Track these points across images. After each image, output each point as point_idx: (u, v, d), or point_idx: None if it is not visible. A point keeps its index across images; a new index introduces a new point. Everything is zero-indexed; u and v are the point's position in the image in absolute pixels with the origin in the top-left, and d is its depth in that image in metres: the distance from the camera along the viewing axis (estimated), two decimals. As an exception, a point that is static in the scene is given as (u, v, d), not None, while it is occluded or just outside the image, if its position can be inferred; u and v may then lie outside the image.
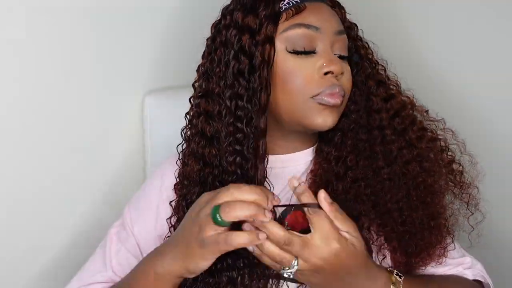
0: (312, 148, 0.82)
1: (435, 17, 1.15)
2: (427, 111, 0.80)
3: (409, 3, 1.19)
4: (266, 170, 0.74)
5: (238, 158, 0.72)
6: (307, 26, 0.72)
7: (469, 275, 0.81)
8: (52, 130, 1.01)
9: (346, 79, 0.75)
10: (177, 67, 1.14)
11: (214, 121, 0.76)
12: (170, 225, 0.80)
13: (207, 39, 0.80)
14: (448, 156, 0.78)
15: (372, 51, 0.81)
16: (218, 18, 0.79)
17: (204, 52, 0.80)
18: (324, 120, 0.73)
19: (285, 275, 0.63)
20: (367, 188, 0.75)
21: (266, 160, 0.74)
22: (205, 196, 0.66)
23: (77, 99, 1.03)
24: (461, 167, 0.77)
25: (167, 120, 1.08)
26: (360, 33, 0.82)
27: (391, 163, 0.76)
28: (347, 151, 0.77)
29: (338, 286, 0.66)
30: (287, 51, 0.73)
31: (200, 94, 0.78)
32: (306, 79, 0.72)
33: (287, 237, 0.61)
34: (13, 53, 0.94)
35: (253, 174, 0.72)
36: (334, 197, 0.73)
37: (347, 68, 0.76)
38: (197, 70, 0.80)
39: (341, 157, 0.77)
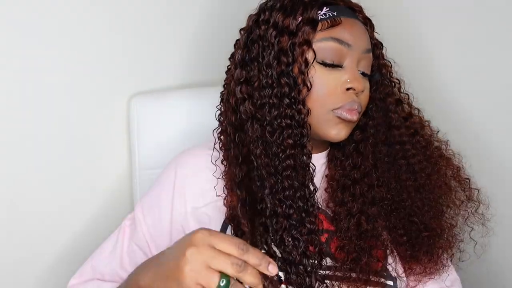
0: (324, 152, 0.85)
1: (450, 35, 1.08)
2: (437, 132, 0.85)
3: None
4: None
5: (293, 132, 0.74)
6: (340, 41, 0.75)
7: None
8: (37, 133, 0.97)
9: (365, 96, 0.79)
10: (164, 69, 1.12)
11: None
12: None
13: (241, 29, 0.81)
14: (465, 175, 0.83)
15: (391, 69, 0.85)
16: (256, 12, 0.80)
17: (238, 42, 0.81)
18: (338, 133, 0.77)
19: None
20: (388, 194, 0.79)
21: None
22: (200, 233, 0.59)
23: (62, 102, 0.99)
24: (475, 185, 0.82)
25: (153, 122, 1.06)
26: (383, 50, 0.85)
27: (412, 175, 0.81)
28: (362, 159, 0.80)
29: None
30: (316, 61, 0.75)
31: (241, 80, 0.78)
32: (329, 92, 0.75)
33: None
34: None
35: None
36: (352, 200, 0.78)
37: (367, 86, 0.80)
38: (230, 58, 0.82)
39: (356, 164, 0.80)
